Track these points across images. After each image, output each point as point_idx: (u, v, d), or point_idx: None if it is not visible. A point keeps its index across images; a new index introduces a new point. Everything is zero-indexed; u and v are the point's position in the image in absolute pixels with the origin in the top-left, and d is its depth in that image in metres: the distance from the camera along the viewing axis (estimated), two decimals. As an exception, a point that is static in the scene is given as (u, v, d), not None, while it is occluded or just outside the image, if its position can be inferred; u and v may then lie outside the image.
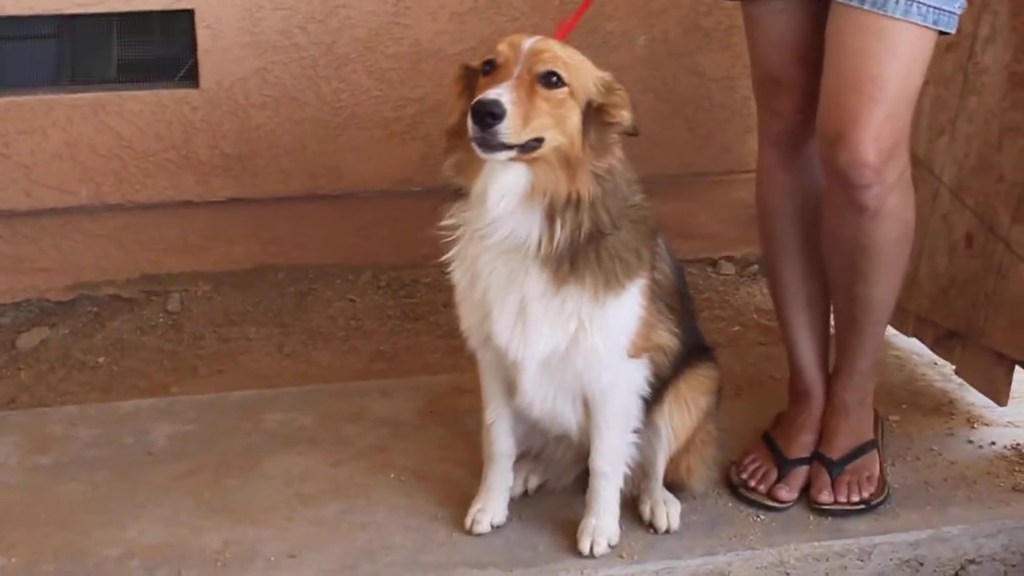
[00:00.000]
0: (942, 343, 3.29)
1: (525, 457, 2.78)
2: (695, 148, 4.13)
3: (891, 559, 2.69)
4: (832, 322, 2.88)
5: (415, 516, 2.74)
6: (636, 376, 2.53)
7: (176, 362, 3.64)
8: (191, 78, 3.89)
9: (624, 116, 2.32)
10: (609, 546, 2.60)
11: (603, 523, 2.61)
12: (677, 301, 2.59)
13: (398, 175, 4.02)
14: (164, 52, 3.94)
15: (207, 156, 3.91)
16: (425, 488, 2.84)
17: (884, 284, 2.67)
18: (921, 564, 2.70)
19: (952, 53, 3.10)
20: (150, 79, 3.93)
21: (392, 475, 2.90)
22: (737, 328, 3.80)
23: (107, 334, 3.79)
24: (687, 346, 2.63)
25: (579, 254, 2.32)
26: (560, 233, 2.29)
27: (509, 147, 2.20)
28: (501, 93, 2.18)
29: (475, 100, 2.18)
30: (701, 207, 4.19)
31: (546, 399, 2.53)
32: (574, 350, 2.41)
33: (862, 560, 2.67)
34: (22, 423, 3.16)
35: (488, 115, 2.15)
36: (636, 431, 2.59)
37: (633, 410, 2.56)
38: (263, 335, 3.78)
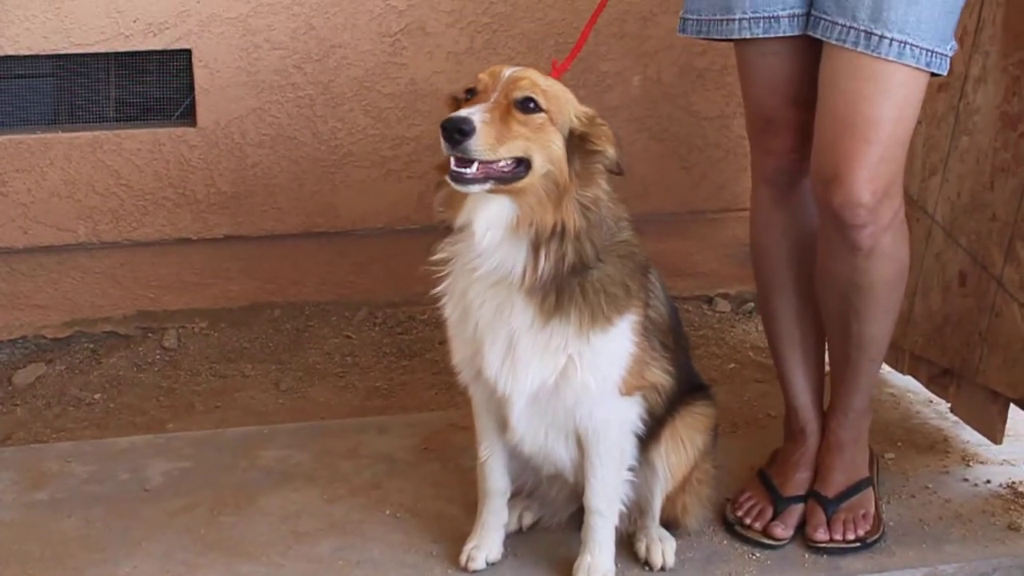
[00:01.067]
0: (937, 381, 3.30)
1: (519, 494, 2.78)
2: (690, 187, 4.15)
3: (887, 597, 2.69)
4: (827, 360, 2.89)
5: (410, 553, 2.74)
6: (629, 414, 2.53)
7: (173, 399, 3.64)
8: (188, 117, 3.92)
9: (608, 148, 2.32)
10: (605, 583, 2.60)
11: (598, 561, 2.60)
12: (671, 339, 2.59)
13: (395, 213, 4.04)
14: (162, 91, 3.96)
15: (204, 194, 3.93)
16: (420, 525, 2.84)
17: (878, 322, 2.68)
18: (917, 602, 2.70)
19: (944, 93, 3.13)
20: (148, 118, 3.96)
21: (387, 512, 2.90)
22: (733, 365, 3.81)
23: (103, 371, 3.79)
24: (682, 384, 2.63)
25: (564, 287, 2.32)
26: (544, 263, 2.28)
27: (483, 179, 2.20)
28: (472, 112, 2.19)
29: (445, 119, 2.19)
30: (696, 245, 4.22)
31: (537, 436, 2.53)
32: (563, 385, 2.41)
33: (858, 598, 2.68)
34: (17, 459, 3.15)
35: (456, 131, 2.16)
36: (631, 469, 2.59)
37: (627, 447, 2.56)
38: (260, 372, 3.78)
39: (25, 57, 3.78)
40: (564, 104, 2.31)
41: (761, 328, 3.92)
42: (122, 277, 3.97)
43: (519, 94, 2.25)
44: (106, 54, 3.85)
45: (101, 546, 2.77)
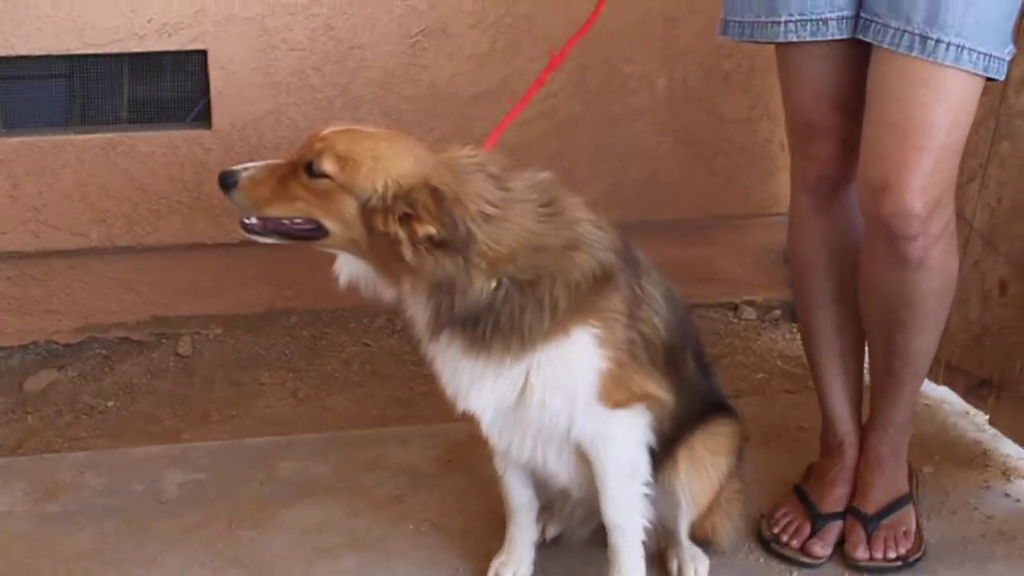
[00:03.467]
0: (975, 392, 3.21)
1: (542, 507, 2.69)
2: (715, 191, 4.07)
3: (929, 618, 2.61)
4: (867, 372, 2.81)
5: (436, 570, 2.67)
6: (631, 426, 2.40)
7: (187, 407, 3.56)
8: (203, 119, 3.84)
9: (427, 227, 2.14)
10: (637, 603, 2.52)
11: (628, 579, 2.51)
12: (661, 357, 2.43)
13: (414, 217, 3.95)
14: (176, 93, 3.89)
15: (219, 198, 3.76)
16: (446, 541, 2.77)
17: (924, 335, 2.60)
18: (960, 623, 2.63)
19: (984, 96, 2.99)
20: (162, 120, 3.88)
21: (411, 526, 2.83)
22: (761, 375, 3.72)
23: (116, 377, 3.72)
24: (693, 403, 2.52)
25: (479, 322, 2.23)
26: (431, 312, 2.24)
27: (263, 232, 2.25)
28: (245, 167, 2.25)
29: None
30: (722, 251, 4.13)
31: (522, 448, 2.43)
32: (521, 404, 2.32)
33: (899, 618, 2.60)
34: (30, 469, 3.08)
35: (222, 182, 2.24)
36: (648, 484, 2.46)
37: (639, 462, 2.43)
38: (276, 380, 3.71)
39: (37, 57, 3.71)
40: (368, 172, 2.17)
41: (788, 336, 3.85)
42: (136, 282, 3.89)
43: (307, 157, 2.21)
44: (120, 55, 3.77)
45: (116, 561, 2.70)
